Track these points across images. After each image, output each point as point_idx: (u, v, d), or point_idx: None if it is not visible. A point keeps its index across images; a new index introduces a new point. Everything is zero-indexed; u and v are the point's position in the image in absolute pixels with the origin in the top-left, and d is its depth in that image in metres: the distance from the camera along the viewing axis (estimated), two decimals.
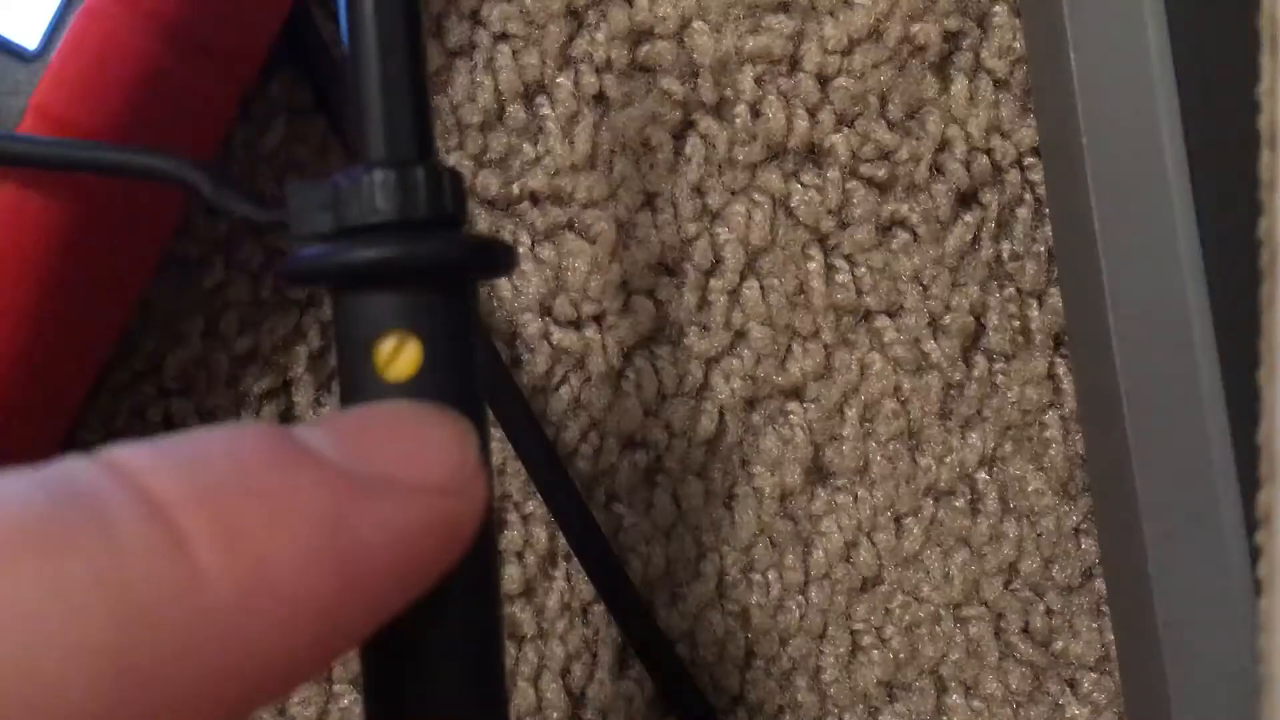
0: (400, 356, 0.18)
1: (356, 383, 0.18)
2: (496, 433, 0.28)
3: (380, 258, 0.18)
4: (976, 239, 0.29)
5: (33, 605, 0.12)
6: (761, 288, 0.29)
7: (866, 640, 0.29)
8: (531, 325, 0.28)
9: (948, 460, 0.29)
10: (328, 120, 0.28)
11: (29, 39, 0.22)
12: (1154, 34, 0.26)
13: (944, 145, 0.29)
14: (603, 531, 0.28)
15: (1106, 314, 0.26)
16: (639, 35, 0.29)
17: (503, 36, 0.29)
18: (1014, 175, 0.29)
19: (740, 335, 0.29)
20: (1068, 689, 0.29)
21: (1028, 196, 0.29)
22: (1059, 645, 0.29)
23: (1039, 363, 0.29)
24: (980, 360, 0.29)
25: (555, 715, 0.28)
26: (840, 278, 0.29)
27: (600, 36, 0.29)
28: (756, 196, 0.29)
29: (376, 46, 0.19)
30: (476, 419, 0.18)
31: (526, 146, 0.29)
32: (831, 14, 0.29)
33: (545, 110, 0.29)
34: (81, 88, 0.22)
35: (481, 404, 0.19)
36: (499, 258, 0.20)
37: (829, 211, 0.29)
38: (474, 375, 0.19)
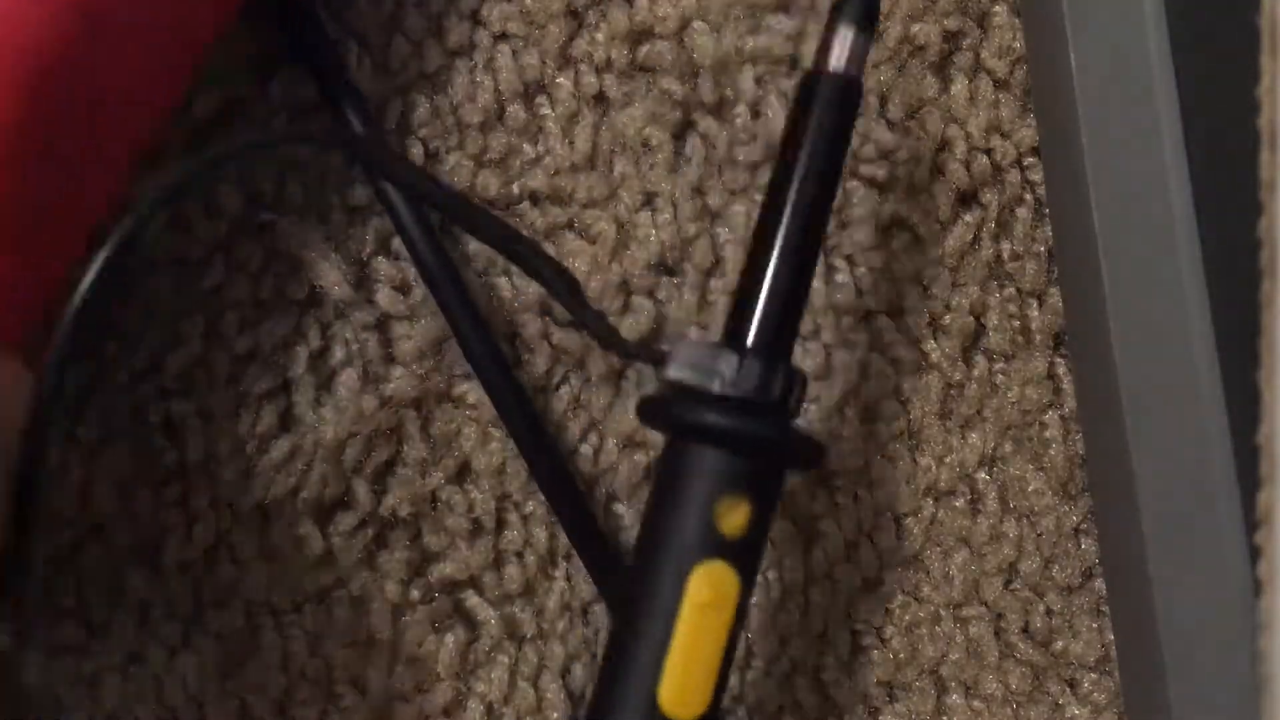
0: (733, 513, 0.22)
1: (687, 523, 0.22)
2: (497, 432, 0.28)
3: (769, 435, 0.23)
4: (976, 239, 0.29)
5: None
6: None
7: (866, 640, 0.29)
8: (531, 325, 0.28)
9: (948, 460, 0.29)
10: (329, 119, 0.28)
11: None
12: (1154, 34, 0.26)
13: (944, 145, 0.29)
14: (603, 532, 0.28)
15: (1106, 314, 0.26)
16: (639, 35, 0.29)
17: (503, 36, 0.29)
18: (1014, 175, 0.29)
19: None
20: (1068, 689, 0.29)
21: (1028, 196, 0.29)
22: (1059, 645, 0.29)
23: (1039, 363, 0.29)
24: (980, 360, 0.29)
25: (555, 715, 0.28)
26: (840, 278, 0.29)
27: (600, 36, 0.29)
28: (756, 196, 0.29)
29: (788, 265, 0.23)
30: (752, 583, 0.23)
31: (526, 146, 0.29)
32: None
33: (545, 110, 0.29)
34: None
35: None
36: (821, 455, 0.24)
37: None
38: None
